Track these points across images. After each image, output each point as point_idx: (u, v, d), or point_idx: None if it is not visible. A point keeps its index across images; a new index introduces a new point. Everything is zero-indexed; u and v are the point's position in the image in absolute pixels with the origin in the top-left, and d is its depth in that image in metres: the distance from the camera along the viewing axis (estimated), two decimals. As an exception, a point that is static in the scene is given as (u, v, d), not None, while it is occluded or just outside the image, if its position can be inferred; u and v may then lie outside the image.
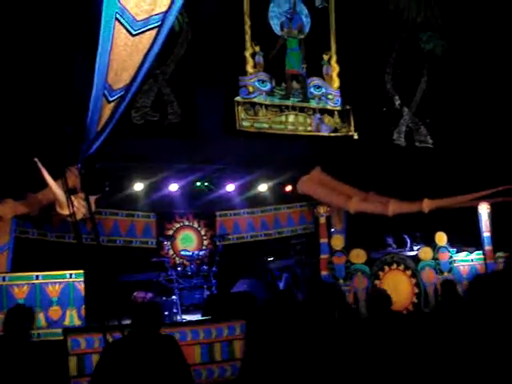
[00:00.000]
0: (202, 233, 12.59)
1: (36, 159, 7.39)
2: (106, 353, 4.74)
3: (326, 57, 11.33)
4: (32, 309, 4.86)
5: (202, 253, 11.83)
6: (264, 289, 10.63)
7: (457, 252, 10.43)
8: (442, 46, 12.23)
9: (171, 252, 12.11)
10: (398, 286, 9.42)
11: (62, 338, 7.55)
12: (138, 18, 5.17)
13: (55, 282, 8.13)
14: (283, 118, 10.74)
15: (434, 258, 10.10)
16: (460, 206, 10.20)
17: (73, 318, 8.10)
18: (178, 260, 12.03)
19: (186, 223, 12.49)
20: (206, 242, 12.55)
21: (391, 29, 11.73)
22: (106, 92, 5.74)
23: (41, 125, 8.13)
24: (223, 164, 10.31)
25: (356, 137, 11.10)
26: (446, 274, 10.05)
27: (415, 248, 10.69)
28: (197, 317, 9.49)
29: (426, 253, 10.10)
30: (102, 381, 4.43)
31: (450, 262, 10.21)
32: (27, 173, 7.75)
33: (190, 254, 11.61)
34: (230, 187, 11.58)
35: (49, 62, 8.43)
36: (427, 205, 10.00)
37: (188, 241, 12.37)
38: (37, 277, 8.09)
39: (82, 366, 7.33)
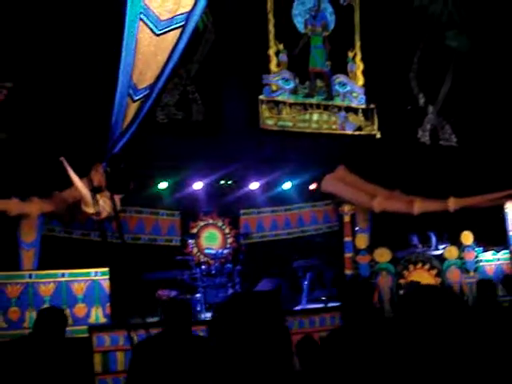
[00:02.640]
0: (226, 231, 12.59)
1: (62, 158, 7.47)
2: (139, 351, 4.69)
3: (350, 54, 11.25)
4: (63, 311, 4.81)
5: (225, 251, 11.83)
6: (287, 288, 10.60)
7: (483, 251, 10.34)
8: (468, 43, 12.08)
9: (195, 250, 12.13)
10: (423, 286, 9.35)
11: (87, 335, 7.65)
12: (162, 18, 5.21)
13: (81, 280, 8.21)
14: (307, 117, 10.69)
15: (460, 258, 10.03)
16: (486, 205, 10.11)
17: (98, 315, 8.18)
18: (202, 258, 12.04)
19: (210, 221, 12.49)
20: (229, 241, 12.55)
21: (416, 26, 11.61)
22: (130, 91, 5.81)
23: (67, 124, 8.20)
24: (247, 162, 10.30)
25: (378, 136, 11.03)
26: (471, 273, 9.97)
27: (440, 247, 10.61)
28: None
29: (451, 252, 10.03)
30: (139, 380, 4.42)
31: (476, 262, 10.12)
32: (53, 171, 7.84)
33: (214, 252, 11.62)
34: (254, 185, 11.56)
35: (73, 61, 8.49)
36: (453, 203, 9.94)
37: (212, 239, 12.38)
38: (62, 274, 8.18)
39: (106, 363, 7.43)
